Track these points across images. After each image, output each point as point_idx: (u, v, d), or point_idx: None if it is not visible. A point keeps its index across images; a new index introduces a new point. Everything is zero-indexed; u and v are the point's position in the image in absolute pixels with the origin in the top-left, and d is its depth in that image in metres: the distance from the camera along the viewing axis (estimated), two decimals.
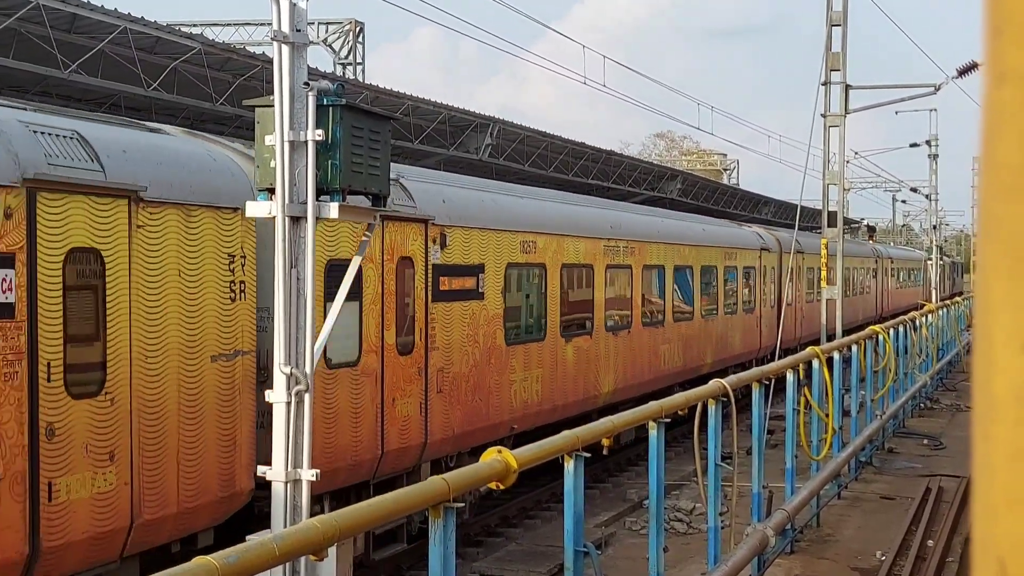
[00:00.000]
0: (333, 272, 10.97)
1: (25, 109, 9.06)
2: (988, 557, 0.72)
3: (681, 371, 22.96)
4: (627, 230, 20.49)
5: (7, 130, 8.22)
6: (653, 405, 10.00)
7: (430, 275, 13.84)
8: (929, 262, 51.30)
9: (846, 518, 16.55)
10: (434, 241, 13.91)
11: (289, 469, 5.58)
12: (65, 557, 8.37)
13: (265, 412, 9.04)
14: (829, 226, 24.01)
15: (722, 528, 11.65)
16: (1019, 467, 0.71)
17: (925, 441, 23.17)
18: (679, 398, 10.71)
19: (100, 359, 8.63)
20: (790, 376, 14.53)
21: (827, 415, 16.18)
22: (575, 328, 18.00)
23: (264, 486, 11.15)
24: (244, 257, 10.28)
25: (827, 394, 16.39)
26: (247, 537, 5.14)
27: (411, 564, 14.20)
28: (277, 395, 5.59)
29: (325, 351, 12.70)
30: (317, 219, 6.40)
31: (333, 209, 6.66)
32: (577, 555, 8.00)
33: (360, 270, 11.47)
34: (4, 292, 7.89)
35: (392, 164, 17.15)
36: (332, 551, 5.41)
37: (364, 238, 6.42)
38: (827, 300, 24.57)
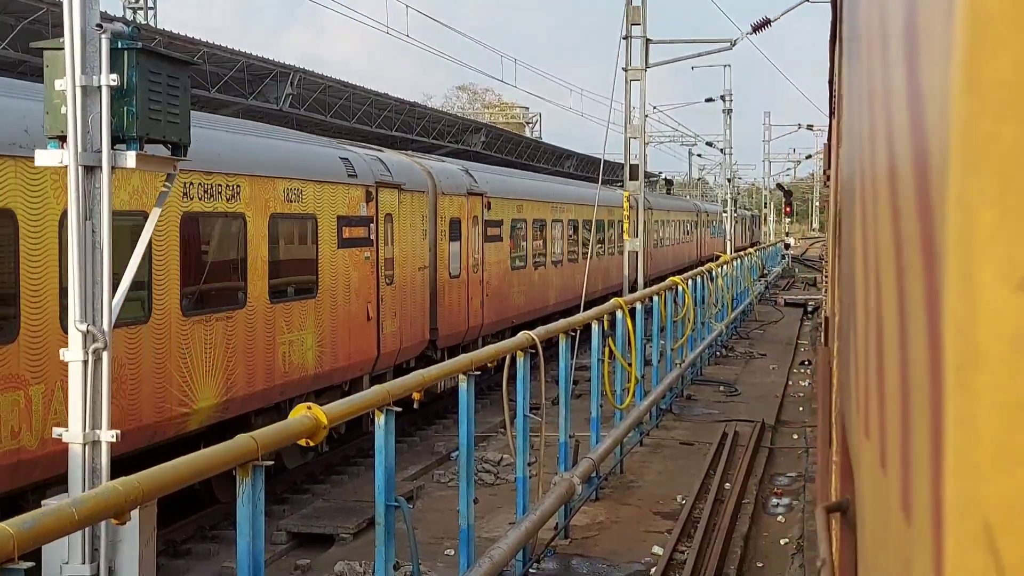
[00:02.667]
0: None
1: (381, 151, 19.96)
2: (969, 520, 0.66)
3: (591, 292, 32.09)
4: (561, 196, 30.32)
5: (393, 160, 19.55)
6: (463, 358, 9.99)
7: (483, 227, 23.13)
8: (725, 214, 53.89)
9: (648, 464, 16.97)
10: (487, 207, 23.33)
11: (87, 431, 5.31)
12: (383, 361, 17.94)
13: (431, 299, 20.47)
14: (631, 179, 24.44)
15: (530, 478, 11.78)
16: (1012, 421, 0.65)
17: (721, 388, 23.96)
18: (489, 350, 10.73)
19: (392, 266, 18.29)
20: (595, 327, 14.75)
21: (630, 364, 16.52)
22: (539, 260, 27.67)
23: (432, 339, 21.33)
24: (426, 216, 20.21)
25: (630, 344, 16.73)
26: (43, 502, 4.87)
27: (214, 524, 13.90)
28: (73, 353, 5.29)
29: (448, 266, 21.10)
30: (113, 168, 6.08)
31: (130, 158, 6.34)
32: (388, 509, 7.94)
33: (460, 223, 21.75)
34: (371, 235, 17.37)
35: (459, 161, 25.81)
36: (135, 514, 5.19)
37: (163, 189, 6.14)
38: (629, 252, 25.05)
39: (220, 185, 13.36)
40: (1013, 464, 0.65)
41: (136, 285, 10.08)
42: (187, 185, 12.68)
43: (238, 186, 13.75)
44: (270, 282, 14.50)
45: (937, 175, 0.77)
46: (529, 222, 26.80)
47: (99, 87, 6.46)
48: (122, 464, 6.56)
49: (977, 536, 0.65)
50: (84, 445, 5.34)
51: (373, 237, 17.50)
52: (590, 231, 32.73)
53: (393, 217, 18.43)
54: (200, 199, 12.99)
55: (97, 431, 5.34)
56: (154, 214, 5.81)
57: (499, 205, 24.25)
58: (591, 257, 29.69)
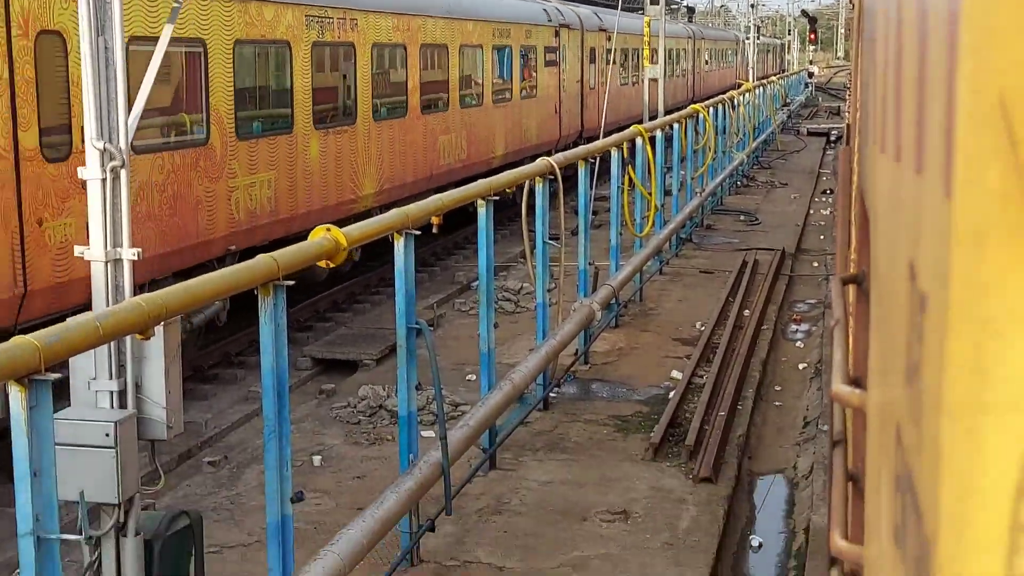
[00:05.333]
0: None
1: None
2: (984, 93, 0.63)
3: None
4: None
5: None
6: (482, 183, 9.95)
7: (605, 54, 30.46)
8: (748, 42, 53.53)
9: (667, 292, 17.06)
10: (608, 39, 31.22)
11: (109, 248, 5.33)
12: (561, 141, 26.42)
13: (581, 102, 29.64)
14: (652, 4, 23.95)
15: (550, 305, 11.86)
16: None
17: (742, 217, 23.91)
18: (506, 176, 10.67)
19: (565, 80, 27.54)
20: (615, 154, 14.65)
21: (650, 193, 16.46)
22: (635, 79, 34.91)
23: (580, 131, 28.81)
24: (578, 46, 28.22)
25: (650, 173, 16.64)
26: (68, 319, 4.93)
27: (239, 351, 14.11)
28: (91, 171, 5.27)
29: (589, 81, 29.31)
30: None
31: None
32: (409, 332, 8.02)
33: (595, 51, 30.09)
34: (557, 59, 27.06)
35: (592, 6, 34.97)
36: (159, 330, 5.25)
37: (175, 4, 6.03)
38: (648, 80, 24.71)
39: (501, 30, 22.82)
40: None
41: (471, 84, 21.31)
42: (494, 30, 22.42)
43: (509, 30, 23.21)
44: (520, 86, 24.03)
45: None
46: (630, 51, 34.29)
47: None
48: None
49: (991, 112, 0.63)
50: (106, 263, 5.37)
51: (557, 60, 26.44)
52: (673, 59, 40.49)
53: (565, 47, 27.19)
54: (498, 38, 22.65)
55: (119, 249, 5.36)
56: (166, 30, 5.72)
57: (616, 38, 31.92)
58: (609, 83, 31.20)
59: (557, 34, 26.62)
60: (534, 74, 25.12)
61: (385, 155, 17.21)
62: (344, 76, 16.16)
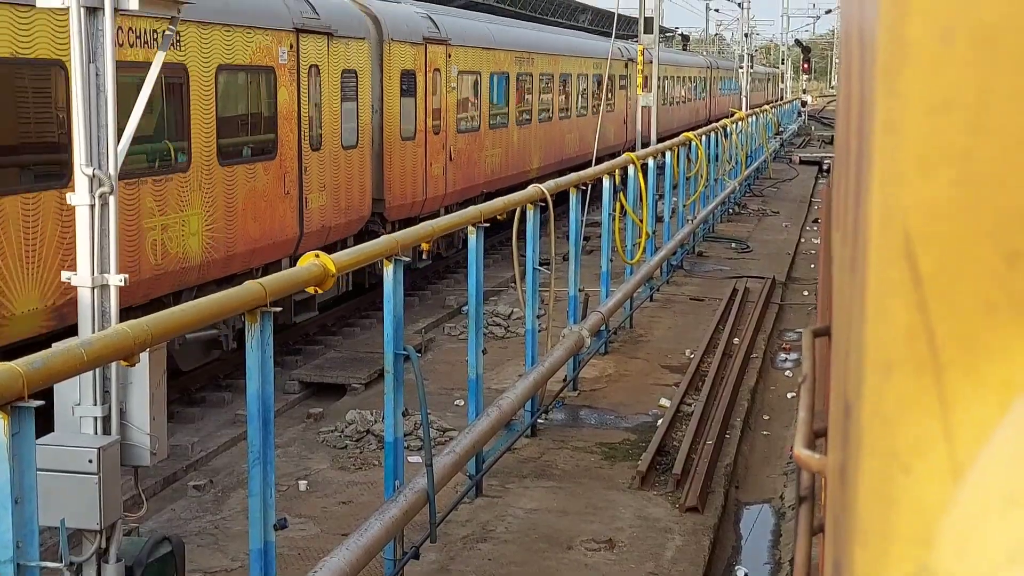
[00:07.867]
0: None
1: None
2: (890, 230, 0.65)
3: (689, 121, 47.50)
4: (682, 62, 49.00)
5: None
6: (472, 210, 9.98)
7: (638, 81, 31.70)
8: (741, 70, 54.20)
9: (657, 319, 17.08)
10: (640, 70, 32.02)
11: (96, 275, 5.33)
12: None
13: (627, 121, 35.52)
14: (646, 32, 24.06)
15: (539, 331, 11.87)
16: (934, 122, 0.63)
17: (733, 245, 23.96)
18: (498, 203, 10.70)
19: (614, 107, 35.09)
20: (606, 182, 14.69)
21: (641, 220, 16.50)
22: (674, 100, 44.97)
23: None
24: (628, 76, 36.05)
25: (642, 200, 16.68)
26: (53, 345, 4.93)
27: (227, 373, 14.09)
28: (79, 198, 5.28)
29: (618, 107, 35.45)
30: (116, 11, 5.98)
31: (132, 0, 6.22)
32: (397, 358, 8.02)
33: (623, 78, 36.97)
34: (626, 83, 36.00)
35: (620, 41, 38.00)
36: (144, 357, 5.25)
37: (167, 33, 6.05)
38: (642, 108, 24.81)
39: (598, 63, 31.18)
40: (935, 165, 0.63)
41: (582, 100, 30.76)
42: (594, 63, 31.02)
43: (602, 63, 29.81)
44: (606, 103, 30.65)
45: None
46: (674, 78, 42.44)
47: None
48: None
49: (898, 247, 0.64)
50: (92, 289, 5.37)
51: (627, 85, 34.08)
52: (697, 85, 50.59)
53: (630, 75, 33.51)
54: (595, 68, 31.33)
55: (105, 275, 5.36)
56: (158, 57, 5.74)
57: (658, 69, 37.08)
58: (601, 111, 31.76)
59: (627, 65, 34.72)
60: (612, 95, 33.35)
61: (542, 144, 26.62)
62: (527, 92, 25.66)
